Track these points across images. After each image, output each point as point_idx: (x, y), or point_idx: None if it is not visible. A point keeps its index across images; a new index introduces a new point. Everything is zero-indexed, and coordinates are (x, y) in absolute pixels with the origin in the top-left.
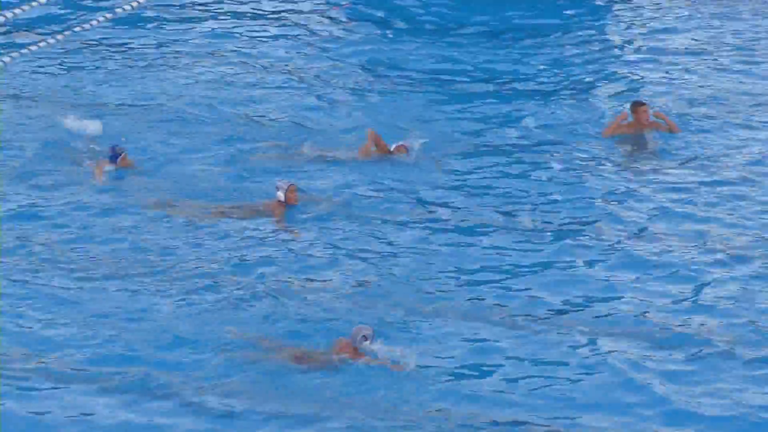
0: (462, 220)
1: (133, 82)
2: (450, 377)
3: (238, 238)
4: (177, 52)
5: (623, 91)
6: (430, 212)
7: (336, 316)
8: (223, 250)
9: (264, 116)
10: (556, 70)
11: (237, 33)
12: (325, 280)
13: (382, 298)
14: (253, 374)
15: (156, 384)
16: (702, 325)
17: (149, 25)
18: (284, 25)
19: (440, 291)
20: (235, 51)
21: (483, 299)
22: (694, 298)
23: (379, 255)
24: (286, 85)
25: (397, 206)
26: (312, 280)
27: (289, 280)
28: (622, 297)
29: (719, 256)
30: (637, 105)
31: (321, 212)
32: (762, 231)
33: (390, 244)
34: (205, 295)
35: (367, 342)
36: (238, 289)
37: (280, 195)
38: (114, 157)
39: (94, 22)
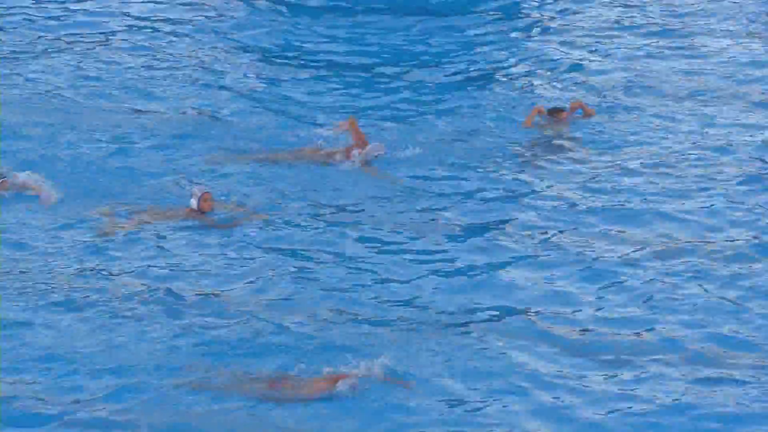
0: (378, 220)
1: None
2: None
3: (145, 250)
4: (58, 38)
5: (541, 75)
6: (336, 213)
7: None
8: (134, 259)
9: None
10: (468, 53)
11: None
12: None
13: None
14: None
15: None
16: (626, 332)
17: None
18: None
19: (367, 298)
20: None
21: (397, 302)
22: (619, 303)
23: (298, 262)
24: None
25: (313, 209)
26: (219, 293)
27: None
28: (541, 301)
29: (641, 254)
30: (555, 112)
31: (237, 220)
32: (689, 228)
33: (309, 251)
34: (114, 313)
35: None
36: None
37: (193, 202)
38: None
39: None
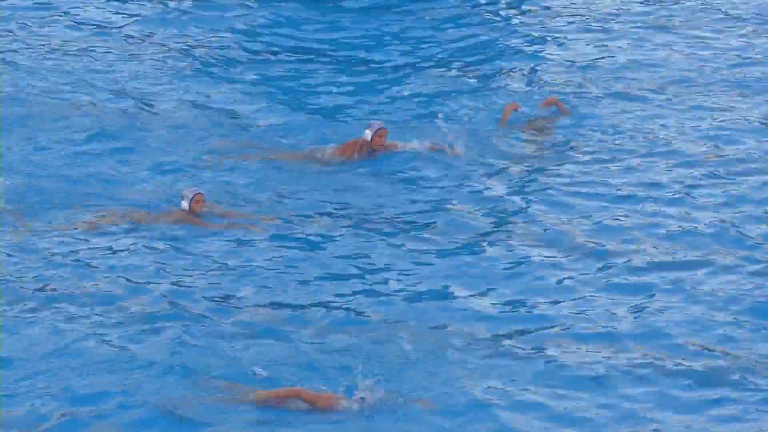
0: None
1: None
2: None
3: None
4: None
5: (518, 71)
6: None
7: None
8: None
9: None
10: (440, 46)
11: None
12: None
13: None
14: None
15: None
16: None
17: None
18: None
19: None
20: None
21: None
22: (611, 313)
23: (293, 266)
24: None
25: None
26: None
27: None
28: (526, 314)
29: (631, 259)
30: (532, 121)
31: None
32: (675, 227)
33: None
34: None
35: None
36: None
37: (184, 204)
38: None
39: None
